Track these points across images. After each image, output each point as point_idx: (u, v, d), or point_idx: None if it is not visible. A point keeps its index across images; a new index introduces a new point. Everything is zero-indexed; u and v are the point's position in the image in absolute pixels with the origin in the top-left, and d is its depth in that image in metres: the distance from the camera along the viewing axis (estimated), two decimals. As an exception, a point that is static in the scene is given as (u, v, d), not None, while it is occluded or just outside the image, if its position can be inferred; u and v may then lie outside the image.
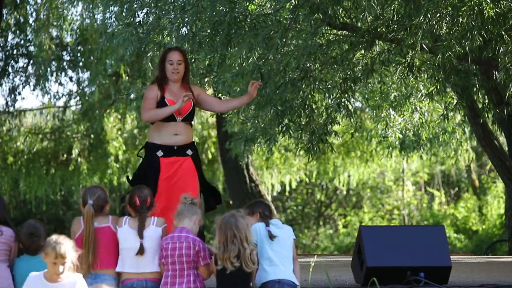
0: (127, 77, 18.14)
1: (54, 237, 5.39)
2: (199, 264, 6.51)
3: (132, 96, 16.89)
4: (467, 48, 8.48)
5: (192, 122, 8.01)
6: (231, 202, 20.83)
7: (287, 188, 23.59)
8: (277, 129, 10.22)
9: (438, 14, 8.53)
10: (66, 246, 5.37)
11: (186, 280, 6.46)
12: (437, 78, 9.92)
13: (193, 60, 9.69)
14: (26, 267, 6.49)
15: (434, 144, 13.82)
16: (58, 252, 5.37)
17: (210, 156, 21.13)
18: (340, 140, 12.85)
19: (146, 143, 7.84)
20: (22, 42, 18.57)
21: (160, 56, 7.97)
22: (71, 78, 19.02)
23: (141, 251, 6.55)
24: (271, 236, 6.60)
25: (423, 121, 11.87)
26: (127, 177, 8.01)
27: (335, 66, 9.93)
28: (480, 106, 12.12)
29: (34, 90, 18.57)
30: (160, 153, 7.70)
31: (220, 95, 12.63)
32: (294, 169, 21.85)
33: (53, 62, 18.37)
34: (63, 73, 18.84)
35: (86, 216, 6.57)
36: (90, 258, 6.50)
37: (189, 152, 7.77)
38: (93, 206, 6.62)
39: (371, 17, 9.34)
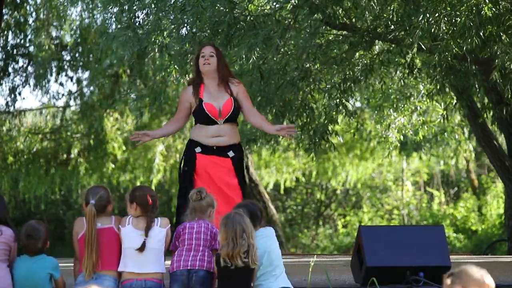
0: (127, 77, 18.16)
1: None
2: (215, 246, 6.54)
3: (132, 96, 16.91)
4: (464, 48, 8.50)
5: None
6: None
7: (282, 187, 23.61)
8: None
9: (437, 14, 8.55)
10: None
11: (201, 254, 6.48)
12: (436, 78, 9.94)
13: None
14: (24, 267, 6.51)
15: (434, 144, 13.85)
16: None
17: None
18: (341, 140, 12.86)
19: (189, 140, 7.75)
20: (22, 42, 18.59)
21: (195, 54, 7.87)
22: (71, 78, 19.05)
23: (142, 247, 6.54)
24: None
25: (423, 121, 11.89)
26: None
27: (335, 66, 9.95)
28: (479, 106, 12.14)
29: (34, 90, 18.59)
30: (198, 149, 7.62)
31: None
32: (292, 169, 21.87)
33: (53, 62, 18.39)
34: (63, 73, 18.87)
35: (88, 216, 6.55)
36: (93, 258, 6.49)
37: (231, 153, 7.64)
38: (95, 206, 6.60)
39: (370, 17, 9.36)
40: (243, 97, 7.77)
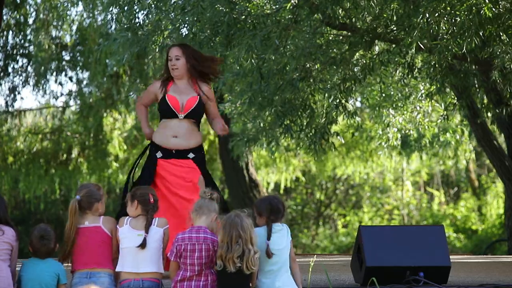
0: (127, 77, 18.17)
1: None
2: (214, 263, 6.49)
3: (134, 97, 16.93)
4: (464, 48, 8.50)
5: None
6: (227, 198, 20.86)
7: (283, 187, 23.60)
8: (278, 129, 10.23)
9: (437, 14, 8.55)
10: None
11: (203, 279, 6.42)
12: (436, 78, 9.94)
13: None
14: (34, 270, 6.51)
15: (435, 144, 13.85)
16: None
17: (211, 154, 21.17)
18: (342, 140, 12.85)
19: (150, 141, 7.67)
20: (22, 42, 18.60)
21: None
22: (70, 78, 19.05)
23: (143, 244, 6.53)
24: (269, 255, 6.49)
25: (423, 121, 11.89)
26: (131, 177, 7.81)
27: (334, 66, 9.95)
28: (479, 106, 12.15)
29: (34, 90, 18.60)
30: (159, 154, 7.58)
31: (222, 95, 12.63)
32: (291, 169, 21.88)
33: (53, 62, 18.40)
34: (62, 73, 18.87)
35: (69, 211, 6.59)
36: (66, 251, 6.52)
37: (191, 155, 7.56)
38: (81, 202, 6.63)
39: (370, 17, 9.36)
40: (210, 98, 7.66)
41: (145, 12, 9.50)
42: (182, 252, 6.44)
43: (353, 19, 9.64)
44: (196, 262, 6.42)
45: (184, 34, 9.29)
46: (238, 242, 6.27)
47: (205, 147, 21.17)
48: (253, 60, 8.87)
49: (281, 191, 25.90)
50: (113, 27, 10.68)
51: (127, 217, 6.68)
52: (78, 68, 18.76)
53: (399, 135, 11.82)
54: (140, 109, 7.85)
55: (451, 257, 7.55)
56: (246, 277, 6.34)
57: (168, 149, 7.55)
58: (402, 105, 11.82)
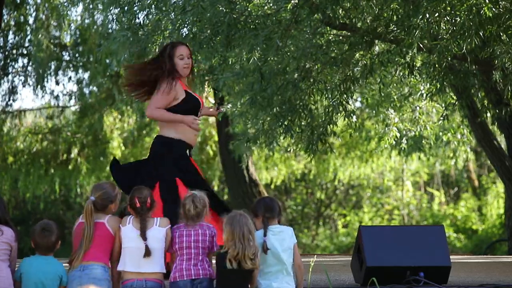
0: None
1: None
2: (212, 250, 6.51)
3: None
4: (464, 48, 8.50)
5: None
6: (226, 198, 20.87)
7: (282, 185, 23.63)
8: (278, 130, 10.22)
9: (437, 14, 8.55)
10: None
11: (200, 263, 6.43)
12: (436, 78, 9.93)
13: (194, 61, 9.68)
14: (36, 266, 6.48)
15: (436, 144, 13.85)
16: None
17: (211, 154, 21.17)
18: (340, 140, 12.86)
19: (177, 140, 7.44)
20: (22, 42, 18.62)
21: (167, 52, 7.54)
22: (70, 78, 19.07)
23: (147, 253, 6.50)
24: (264, 250, 6.50)
25: (423, 121, 11.89)
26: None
27: (335, 67, 9.94)
28: (479, 106, 12.15)
29: (34, 90, 18.61)
30: (189, 153, 7.48)
31: (221, 94, 12.62)
32: (291, 169, 21.89)
33: (53, 62, 18.41)
34: (62, 73, 18.88)
35: (85, 212, 6.55)
36: (85, 250, 6.50)
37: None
38: (95, 204, 6.59)
39: (370, 17, 9.36)
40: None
41: (145, 12, 9.49)
42: (177, 238, 6.47)
43: (353, 19, 9.63)
44: (193, 245, 6.43)
45: (184, 34, 9.28)
46: (249, 238, 6.31)
47: (206, 147, 21.19)
48: (255, 59, 8.85)
49: (280, 190, 25.94)
50: (113, 27, 10.68)
51: (130, 216, 6.65)
52: (78, 68, 18.77)
53: (404, 138, 11.82)
54: (161, 112, 7.48)
55: (451, 257, 7.56)
56: (245, 278, 6.34)
57: (191, 147, 7.49)
58: (401, 105, 11.83)
